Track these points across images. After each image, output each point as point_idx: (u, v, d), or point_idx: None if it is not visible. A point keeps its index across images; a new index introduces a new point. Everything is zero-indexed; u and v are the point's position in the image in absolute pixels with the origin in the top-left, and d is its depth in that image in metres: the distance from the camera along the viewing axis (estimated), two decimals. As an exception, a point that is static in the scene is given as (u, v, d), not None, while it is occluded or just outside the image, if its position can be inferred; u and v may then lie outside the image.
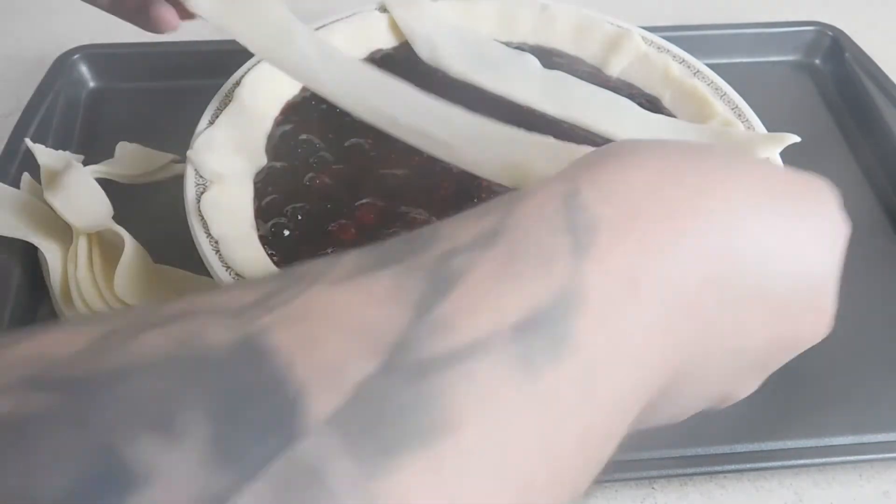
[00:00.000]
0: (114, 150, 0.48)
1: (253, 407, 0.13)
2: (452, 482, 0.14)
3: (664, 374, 0.19)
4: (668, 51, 0.48)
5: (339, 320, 0.15)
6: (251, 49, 0.40)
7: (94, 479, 0.11)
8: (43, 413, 0.12)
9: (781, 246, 0.22)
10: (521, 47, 0.49)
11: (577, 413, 0.16)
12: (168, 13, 0.40)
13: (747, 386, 0.26)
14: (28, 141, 0.46)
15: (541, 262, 0.17)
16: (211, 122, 0.42)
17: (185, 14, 0.41)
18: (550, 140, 0.37)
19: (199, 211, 0.38)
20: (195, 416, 0.12)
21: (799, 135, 0.41)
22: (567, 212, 0.18)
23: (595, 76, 0.48)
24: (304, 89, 0.46)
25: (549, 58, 0.48)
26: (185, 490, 0.11)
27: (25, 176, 0.45)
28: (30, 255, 0.42)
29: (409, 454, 0.14)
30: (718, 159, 0.22)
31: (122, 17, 0.42)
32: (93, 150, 0.48)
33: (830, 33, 0.58)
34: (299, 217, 0.38)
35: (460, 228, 0.18)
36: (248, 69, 0.45)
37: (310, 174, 0.41)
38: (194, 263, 0.37)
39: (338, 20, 0.49)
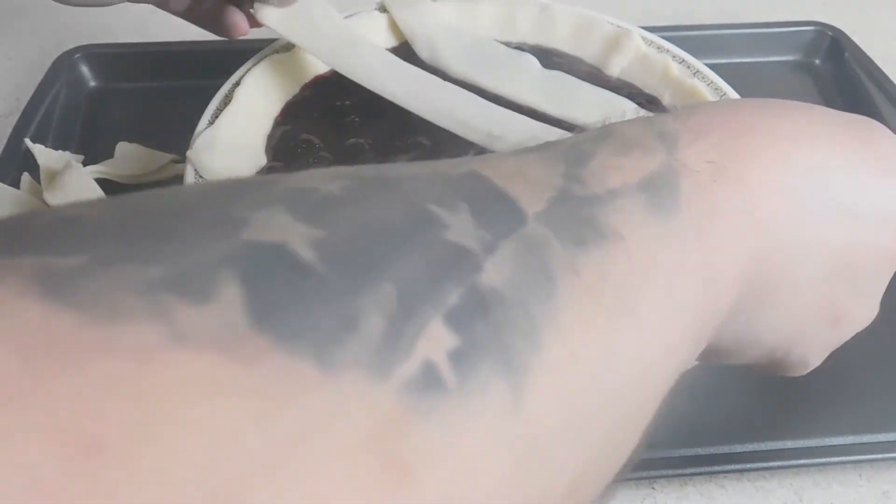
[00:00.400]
0: (114, 150, 0.48)
1: (491, 202, 0.18)
2: (623, 270, 0.19)
3: (752, 257, 0.23)
4: (668, 51, 0.48)
5: (515, 172, 0.20)
6: (319, 58, 0.44)
7: (421, 221, 0.17)
8: (370, 191, 0.17)
9: (843, 166, 0.26)
10: (521, 47, 0.49)
11: (693, 254, 0.21)
12: (241, 21, 0.44)
13: (859, 305, 0.27)
14: (28, 141, 0.46)
15: (644, 149, 0.22)
16: (211, 122, 0.42)
17: (255, 22, 0.44)
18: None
19: (199, 211, 0.38)
20: (459, 205, 0.17)
21: (799, 135, 0.41)
22: (651, 127, 0.23)
23: (595, 76, 0.48)
24: (304, 89, 0.46)
25: (549, 58, 0.48)
26: (472, 235, 0.17)
27: (25, 176, 0.45)
28: (30, 256, 0.42)
29: (594, 246, 0.19)
30: (781, 110, 0.27)
31: (195, 23, 0.46)
32: (93, 150, 0.48)
33: (830, 33, 0.58)
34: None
35: (577, 135, 0.23)
36: (248, 69, 0.45)
37: (310, 174, 0.41)
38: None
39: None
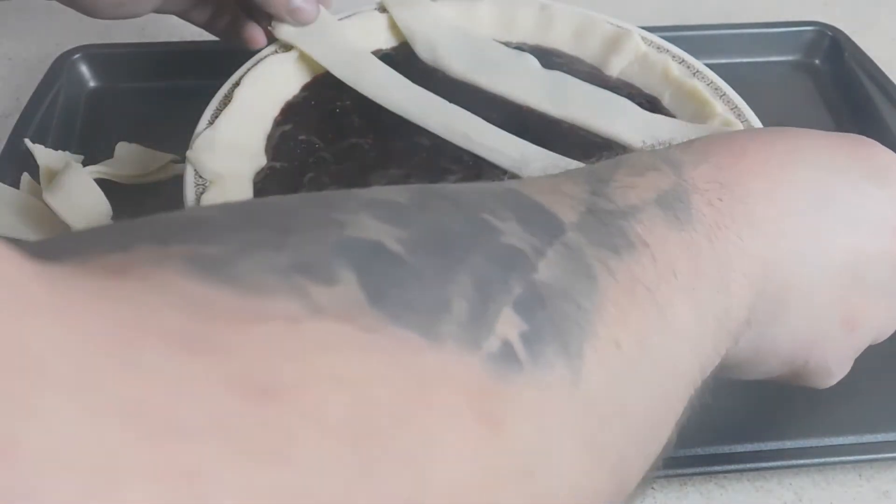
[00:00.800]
0: (113, 150, 0.48)
1: (533, 213, 0.21)
2: (651, 275, 0.22)
3: (761, 266, 0.25)
4: (668, 51, 0.48)
5: (549, 190, 0.22)
6: (333, 72, 0.45)
7: (480, 226, 0.19)
8: (431, 202, 0.20)
9: (842, 182, 0.27)
10: (520, 47, 0.49)
11: (709, 263, 0.23)
12: (258, 34, 0.47)
13: (874, 308, 0.28)
14: (27, 141, 0.46)
15: (655, 172, 0.24)
16: (210, 123, 0.42)
17: (271, 36, 0.46)
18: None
19: (199, 211, 0.38)
20: (507, 214, 0.20)
21: (799, 135, 0.41)
22: (658, 155, 0.26)
23: (595, 76, 0.48)
24: (303, 89, 0.46)
25: (549, 58, 0.48)
26: (523, 240, 0.19)
27: (25, 176, 0.45)
28: (29, 256, 0.42)
29: (625, 252, 0.21)
30: (774, 133, 0.29)
31: (215, 34, 0.50)
32: (92, 150, 0.48)
33: (830, 33, 0.58)
34: (299, 217, 0.38)
35: (591, 165, 0.26)
36: (248, 69, 0.45)
37: (310, 174, 0.41)
38: (194, 263, 0.37)
39: (338, 20, 0.49)
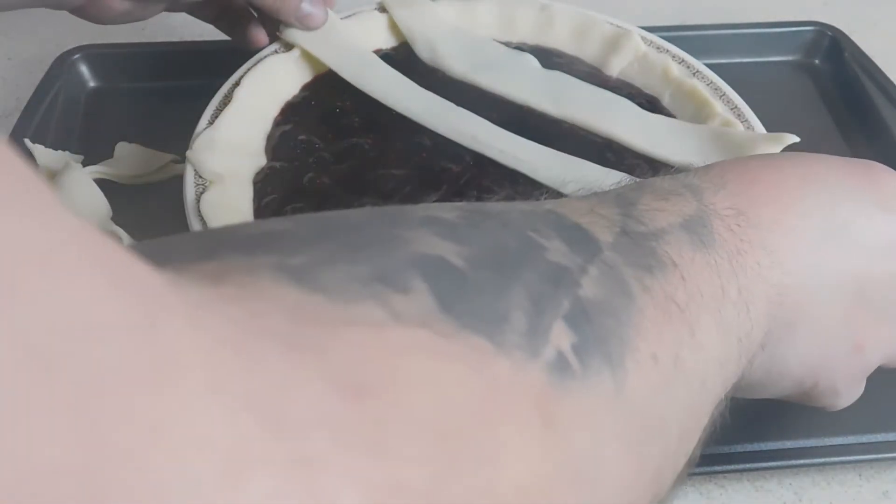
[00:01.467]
0: (113, 150, 0.48)
1: (573, 233, 0.22)
2: (682, 294, 0.23)
3: (776, 290, 0.26)
4: (668, 51, 0.48)
5: (585, 211, 0.23)
6: (341, 74, 0.46)
7: (528, 244, 0.21)
8: (481, 220, 0.21)
9: (852, 206, 0.28)
10: (520, 47, 0.49)
11: (731, 285, 0.24)
12: (260, 34, 0.49)
13: (883, 329, 0.29)
14: (27, 141, 0.46)
15: (678, 196, 0.25)
16: (210, 122, 0.42)
17: (274, 37, 0.47)
18: (596, 167, 0.41)
19: (199, 211, 0.38)
20: (551, 233, 0.21)
21: (798, 135, 0.41)
22: (678, 181, 0.27)
23: (595, 76, 0.48)
24: (303, 89, 0.46)
25: (549, 58, 0.48)
26: (567, 258, 0.21)
27: (25, 176, 0.45)
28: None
29: (658, 271, 0.22)
30: (787, 159, 0.30)
31: (221, 30, 0.51)
32: (92, 150, 0.48)
33: (830, 33, 0.58)
34: (299, 217, 0.38)
35: (616, 188, 0.27)
36: (248, 69, 0.45)
37: (309, 174, 0.41)
38: (194, 263, 0.37)
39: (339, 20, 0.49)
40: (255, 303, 0.15)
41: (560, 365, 0.18)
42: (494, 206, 0.23)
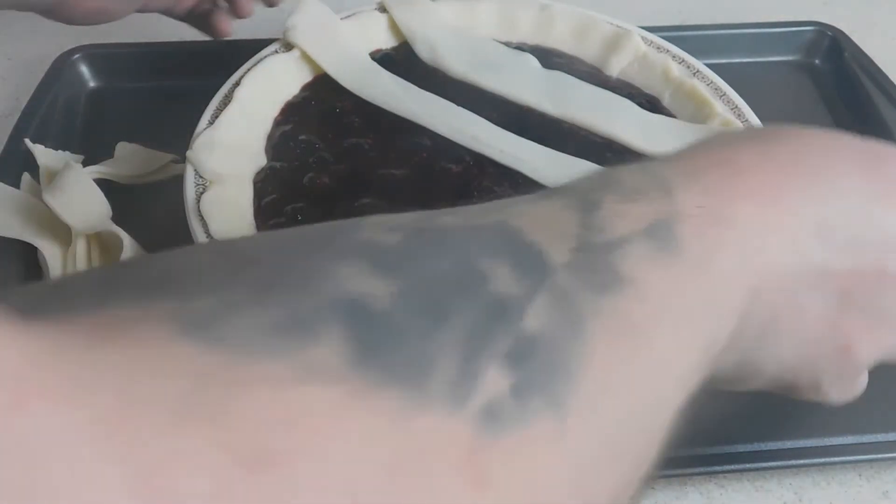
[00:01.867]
0: (113, 150, 0.48)
1: (524, 255, 0.20)
2: (639, 312, 0.21)
3: (748, 292, 0.24)
4: (668, 51, 0.48)
5: (540, 224, 0.22)
6: (341, 82, 0.46)
7: (468, 274, 0.19)
8: (422, 244, 0.20)
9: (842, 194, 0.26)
10: (520, 47, 0.49)
11: (695, 294, 0.23)
12: (224, 23, 0.51)
13: (876, 330, 0.27)
14: (27, 141, 0.46)
15: (644, 197, 0.24)
16: (211, 122, 0.42)
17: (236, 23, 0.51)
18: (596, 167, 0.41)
19: (199, 211, 0.38)
20: (498, 258, 0.20)
21: (799, 135, 0.41)
22: (647, 174, 0.25)
23: (595, 76, 0.48)
24: (303, 89, 0.46)
25: (549, 58, 0.48)
26: (512, 286, 0.19)
27: (25, 176, 0.45)
28: (30, 256, 0.42)
29: (613, 291, 0.21)
30: (774, 141, 0.27)
31: (192, 24, 0.52)
32: (92, 150, 0.48)
33: (830, 33, 0.58)
34: (299, 217, 0.38)
35: (582, 182, 0.25)
36: (248, 69, 0.45)
37: (309, 174, 0.41)
38: (194, 263, 0.37)
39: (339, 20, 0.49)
40: (144, 364, 0.14)
41: (491, 413, 0.17)
42: (444, 222, 0.21)
